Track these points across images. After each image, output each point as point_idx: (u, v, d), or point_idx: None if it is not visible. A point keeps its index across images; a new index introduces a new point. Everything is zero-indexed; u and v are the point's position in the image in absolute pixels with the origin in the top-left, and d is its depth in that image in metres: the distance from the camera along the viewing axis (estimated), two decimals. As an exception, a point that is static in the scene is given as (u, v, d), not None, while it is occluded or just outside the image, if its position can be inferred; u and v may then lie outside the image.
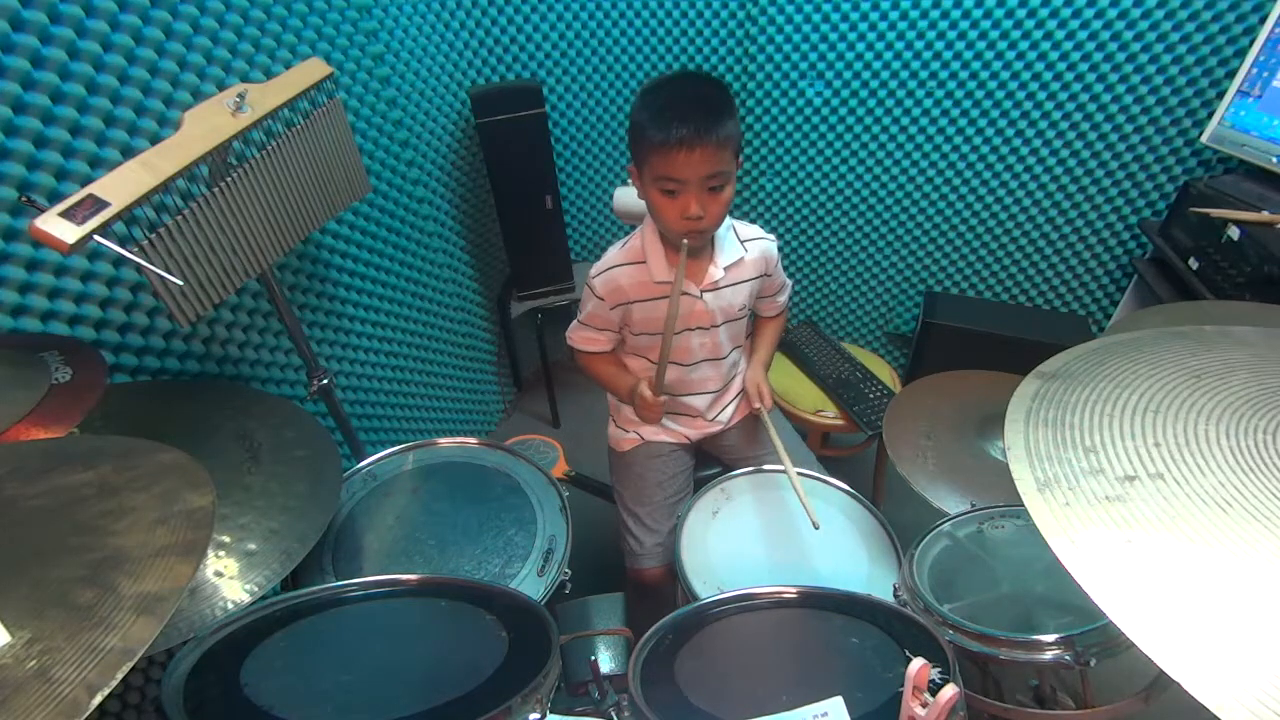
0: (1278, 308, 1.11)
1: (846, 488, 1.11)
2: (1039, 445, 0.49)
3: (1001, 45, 1.66)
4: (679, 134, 0.91)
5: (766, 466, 1.15)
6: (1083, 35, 1.60)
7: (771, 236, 1.19)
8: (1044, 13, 1.60)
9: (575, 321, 1.21)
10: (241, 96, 0.88)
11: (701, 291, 1.11)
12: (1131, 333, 0.63)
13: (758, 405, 1.19)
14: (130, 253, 0.74)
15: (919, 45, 1.71)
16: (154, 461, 0.57)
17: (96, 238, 0.70)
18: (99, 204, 0.70)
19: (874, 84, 1.80)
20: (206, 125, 0.84)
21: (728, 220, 1.12)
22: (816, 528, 0.96)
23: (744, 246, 1.14)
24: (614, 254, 1.13)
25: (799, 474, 1.09)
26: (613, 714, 0.73)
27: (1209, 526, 0.41)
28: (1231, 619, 0.37)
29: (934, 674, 0.55)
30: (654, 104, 0.95)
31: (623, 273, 1.10)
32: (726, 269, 1.11)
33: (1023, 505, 0.49)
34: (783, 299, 1.29)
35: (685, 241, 0.99)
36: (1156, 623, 0.38)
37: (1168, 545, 0.41)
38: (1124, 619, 0.38)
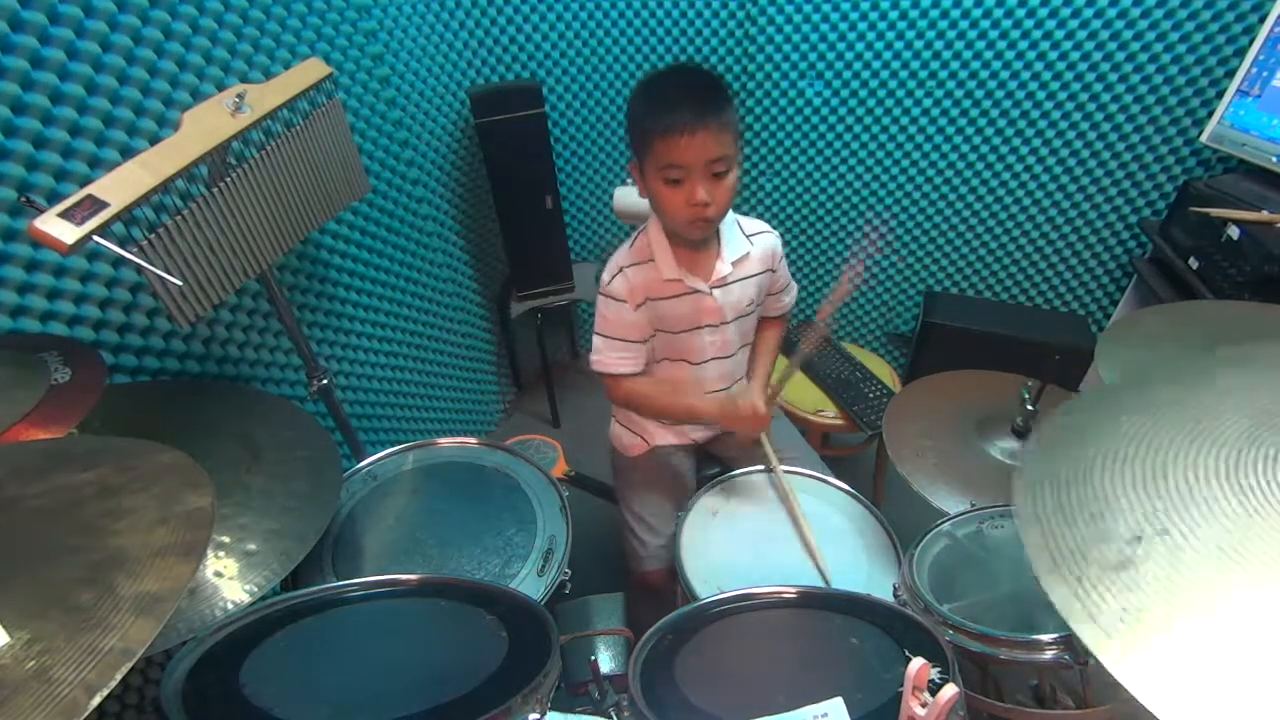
0: (1278, 308, 1.11)
1: (846, 488, 1.11)
2: (1051, 526, 0.48)
3: (1001, 45, 1.66)
4: (680, 119, 0.91)
5: (767, 467, 1.15)
6: (1082, 35, 1.60)
7: (775, 231, 1.18)
8: (1044, 13, 1.60)
9: (599, 342, 1.12)
10: (241, 97, 0.88)
11: (711, 288, 1.10)
12: (1115, 382, 0.62)
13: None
14: (130, 253, 0.74)
15: (919, 45, 1.71)
16: (154, 462, 0.57)
17: (96, 238, 0.70)
18: (98, 204, 0.70)
19: (874, 84, 1.80)
20: (206, 125, 0.84)
21: (732, 215, 1.11)
22: (827, 584, 0.95)
23: (749, 241, 1.13)
24: (621, 256, 1.10)
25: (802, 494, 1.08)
26: (613, 714, 0.73)
27: (1219, 580, 0.40)
28: (1257, 677, 0.36)
29: (934, 674, 0.55)
30: (652, 94, 0.96)
31: (635, 272, 1.08)
32: (734, 264, 1.10)
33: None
34: (787, 299, 1.27)
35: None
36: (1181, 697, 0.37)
37: (1181, 609, 0.40)
38: (1153, 701, 0.37)
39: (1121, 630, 0.41)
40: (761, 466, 1.15)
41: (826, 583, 0.95)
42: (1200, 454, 0.48)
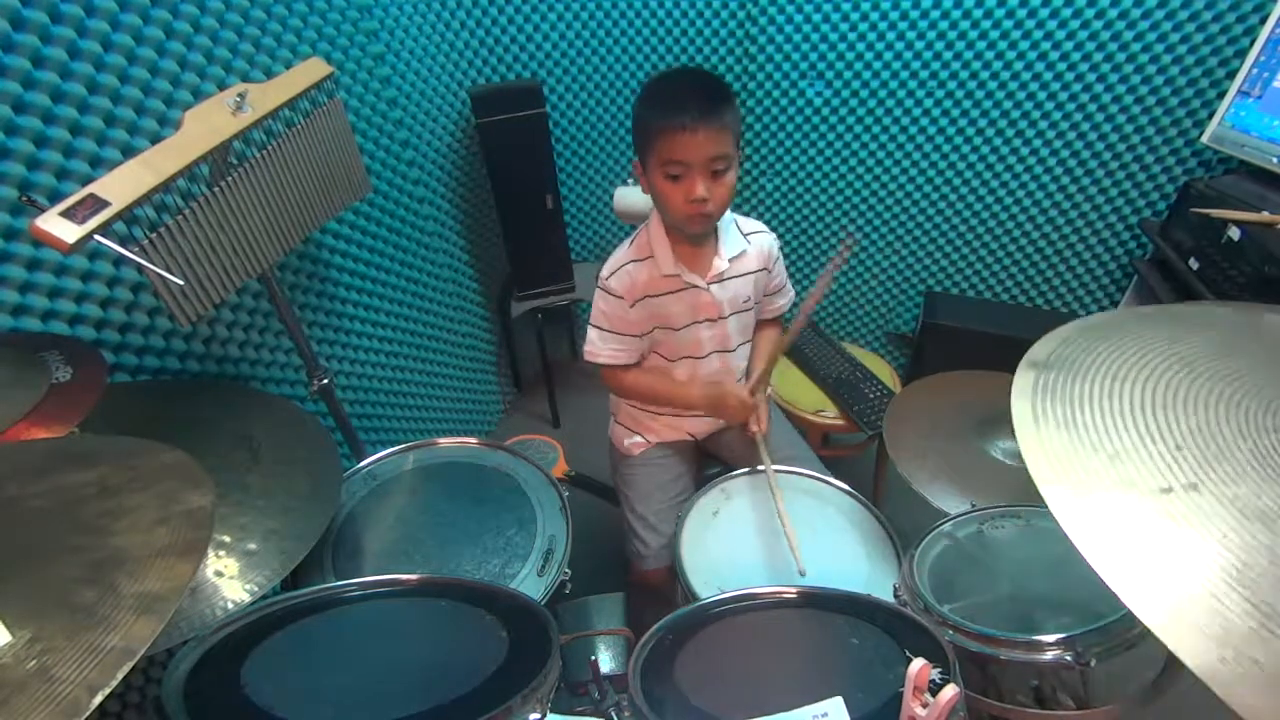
0: (1277, 308, 1.11)
1: (846, 488, 1.10)
2: (1056, 451, 0.46)
3: (1001, 45, 1.66)
4: (683, 118, 0.94)
5: (756, 467, 1.15)
6: (1083, 35, 1.60)
7: (772, 233, 1.20)
8: (1044, 13, 1.60)
9: (594, 334, 1.16)
10: (242, 96, 0.88)
11: (708, 283, 1.12)
12: (1102, 315, 0.61)
13: (754, 429, 1.16)
14: (130, 252, 0.74)
15: (919, 45, 1.71)
16: (154, 461, 0.57)
17: (97, 237, 0.70)
18: (99, 203, 0.70)
19: (874, 84, 1.80)
20: (207, 125, 0.84)
21: (730, 214, 1.13)
22: (802, 574, 0.92)
23: (746, 240, 1.15)
24: (622, 253, 1.13)
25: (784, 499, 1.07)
26: (613, 714, 0.73)
27: (1256, 543, 0.39)
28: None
29: (934, 674, 0.55)
30: (658, 93, 0.99)
31: (635, 269, 1.10)
32: (731, 261, 1.12)
33: (1023, 505, 0.48)
34: (782, 302, 1.29)
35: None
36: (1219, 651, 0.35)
37: (1226, 567, 0.38)
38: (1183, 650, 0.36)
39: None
40: (763, 467, 1.15)
41: (800, 573, 0.93)
42: (1208, 405, 0.47)
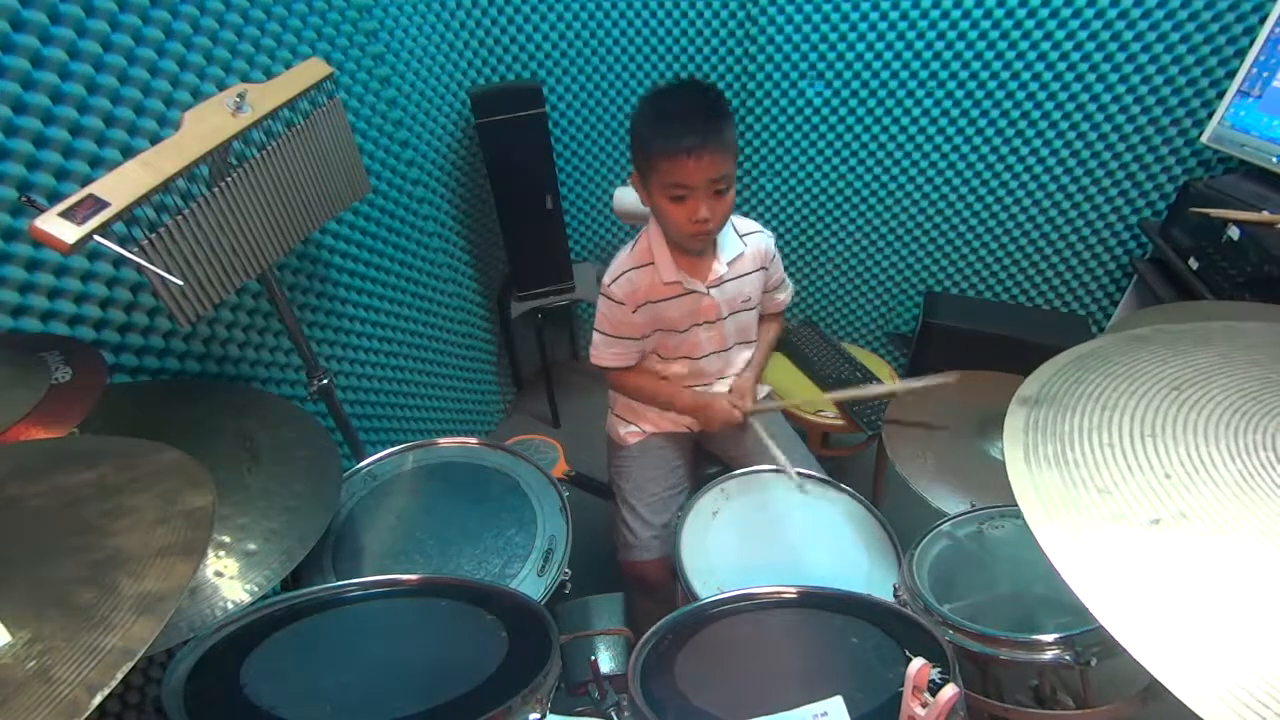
0: (1278, 308, 1.11)
1: (846, 488, 1.11)
2: (1049, 490, 0.46)
3: (1001, 45, 1.66)
4: (687, 142, 0.94)
5: (766, 467, 1.15)
6: (1083, 35, 1.60)
7: (768, 231, 1.21)
8: (1044, 13, 1.60)
9: (598, 338, 1.19)
10: (241, 96, 0.88)
11: (708, 288, 1.13)
12: (1094, 342, 0.61)
13: (736, 411, 1.18)
14: (130, 253, 0.74)
15: (919, 45, 1.71)
16: (154, 461, 0.57)
17: (96, 238, 0.70)
18: (99, 204, 0.70)
19: (874, 84, 1.80)
20: (206, 125, 0.84)
21: None
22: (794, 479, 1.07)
23: (743, 241, 1.17)
24: (624, 259, 1.14)
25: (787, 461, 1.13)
26: (613, 714, 0.73)
27: (1252, 567, 0.38)
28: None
29: (934, 674, 0.55)
30: (658, 113, 0.98)
31: (637, 275, 1.12)
32: (729, 264, 1.14)
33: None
34: (783, 297, 1.30)
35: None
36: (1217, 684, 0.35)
37: (1216, 596, 0.38)
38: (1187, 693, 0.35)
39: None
40: (763, 466, 1.15)
41: (789, 474, 1.10)
42: (1197, 431, 0.47)
